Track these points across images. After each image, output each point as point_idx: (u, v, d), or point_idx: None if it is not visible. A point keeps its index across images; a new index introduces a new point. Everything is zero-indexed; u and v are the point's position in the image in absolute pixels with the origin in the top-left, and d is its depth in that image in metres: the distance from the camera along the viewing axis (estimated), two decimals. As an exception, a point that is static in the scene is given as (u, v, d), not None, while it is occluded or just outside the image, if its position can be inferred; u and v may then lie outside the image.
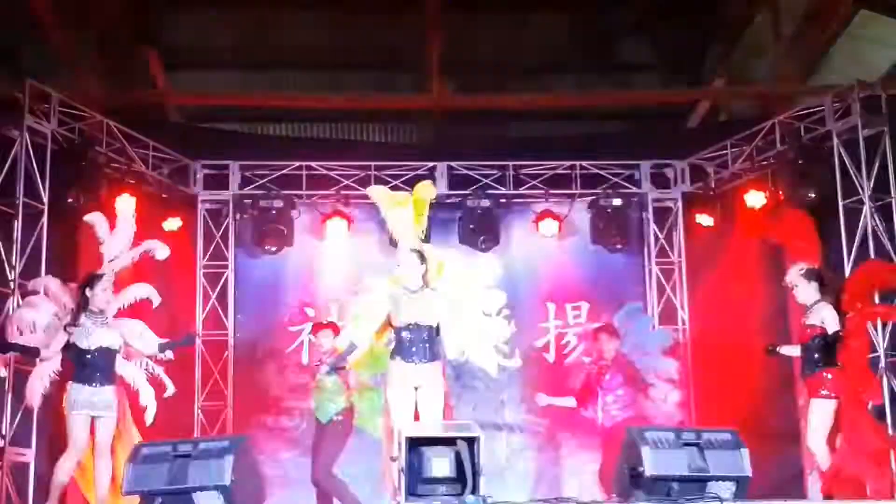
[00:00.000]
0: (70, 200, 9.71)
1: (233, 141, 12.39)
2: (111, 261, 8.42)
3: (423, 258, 7.44)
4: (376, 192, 8.31)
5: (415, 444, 6.11)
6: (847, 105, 9.98)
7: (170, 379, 9.29)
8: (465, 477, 6.02)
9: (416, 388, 7.21)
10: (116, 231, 8.54)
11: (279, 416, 10.84)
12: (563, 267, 11.42)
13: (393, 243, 10.05)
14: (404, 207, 7.99)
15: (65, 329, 7.84)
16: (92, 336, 7.76)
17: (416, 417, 7.25)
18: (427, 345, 7.22)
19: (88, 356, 7.73)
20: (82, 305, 7.87)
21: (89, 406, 7.64)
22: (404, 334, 7.25)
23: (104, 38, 11.87)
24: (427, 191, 8.00)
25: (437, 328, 7.27)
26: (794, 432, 10.63)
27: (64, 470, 7.60)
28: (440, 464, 6.00)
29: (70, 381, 7.77)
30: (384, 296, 7.49)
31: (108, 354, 7.83)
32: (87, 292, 7.90)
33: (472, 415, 9.69)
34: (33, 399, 8.22)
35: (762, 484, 7.29)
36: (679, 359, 10.26)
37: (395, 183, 11.20)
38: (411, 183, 11.22)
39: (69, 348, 7.82)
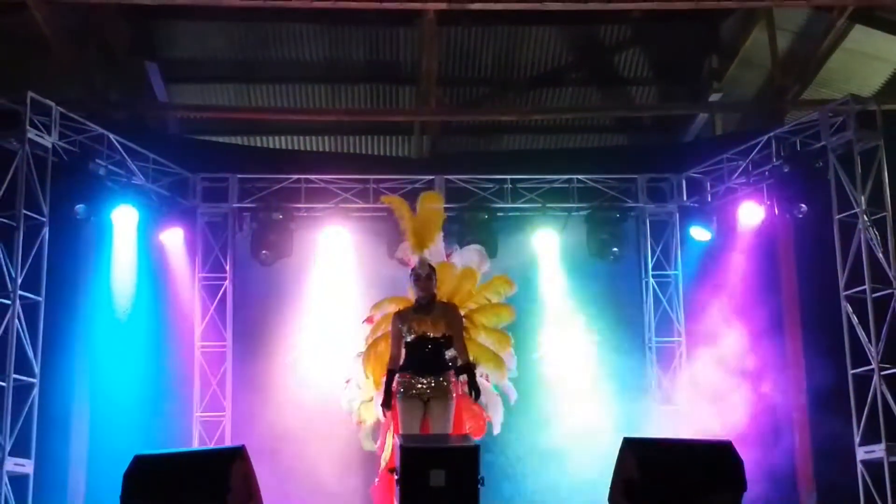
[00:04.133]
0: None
1: (232, 154, 12.46)
2: None
3: (433, 269, 7.48)
4: (394, 202, 8.39)
5: (412, 455, 6.15)
6: (842, 120, 10.07)
7: (168, 389, 9.35)
8: (462, 487, 6.06)
9: (425, 401, 7.23)
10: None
11: (277, 428, 10.86)
12: (560, 280, 11.47)
13: (391, 254, 10.17)
14: (423, 217, 8.09)
15: None
16: None
17: (424, 429, 7.29)
18: (436, 357, 7.24)
19: None
20: None
21: None
22: (413, 347, 7.26)
23: (105, 51, 11.93)
24: (440, 201, 8.13)
25: (448, 339, 7.28)
26: (787, 445, 10.70)
27: None
28: (437, 474, 6.03)
29: None
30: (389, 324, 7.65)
31: None
32: None
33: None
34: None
35: (756, 498, 7.35)
36: None
37: (392, 195, 11.27)
38: (409, 196, 11.33)
39: None
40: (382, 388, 7.43)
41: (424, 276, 7.39)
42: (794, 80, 12.46)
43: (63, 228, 9.98)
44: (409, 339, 7.27)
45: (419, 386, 7.22)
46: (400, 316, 7.40)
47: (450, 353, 7.47)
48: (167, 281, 11.19)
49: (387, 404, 7.35)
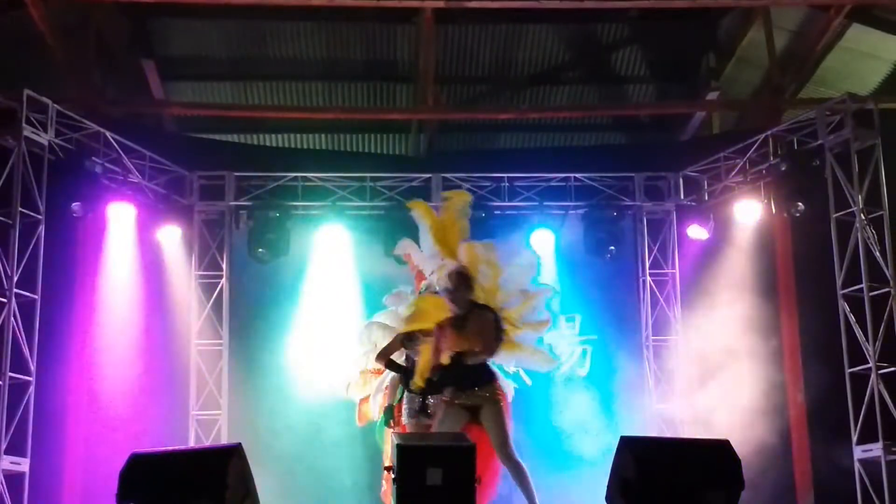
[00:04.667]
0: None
1: (229, 151, 12.45)
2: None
3: (465, 277, 7.16)
4: (418, 208, 8.05)
5: (409, 453, 6.14)
6: (839, 118, 10.08)
7: (165, 388, 9.27)
8: (458, 487, 6.05)
9: (473, 411, 7.15)
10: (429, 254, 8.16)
11: (273, 426, 10.86)
12: (557, 278, 11.46)
13: (388, 252, 10.09)
14: (445, 222, 7.83)
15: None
16: None
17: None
18: (475, 372, 7.12)
19: None
20: None
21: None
22: (451, 365, 7.15)
23: (102, 48, 11.91)
24: (461, 200, 7.78)
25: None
26: (784, 444, 10.70)
27: None
28: (433, 473, 6.02)
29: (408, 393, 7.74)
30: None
31: None
32: None
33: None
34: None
35: (753, 496, 7.35)
36: None
37: (390, 194, 11.29)
38: (406, 194, 11.32)
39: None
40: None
41: (453, 289, 7.10)
42: (792, 78, 12.46)
43: (59, 226, 9.97)
44: (448, 356, 7.20)
45: (464, 399, 7.15)
46: (440, 328, 7.27)
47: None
48: (163, 279, 11.18)
49: (421, 414, 7.34)
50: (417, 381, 7.57)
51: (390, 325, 8.39)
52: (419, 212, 7.88)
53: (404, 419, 7.67)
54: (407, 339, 7.76)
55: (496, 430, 7.08)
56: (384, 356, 7.82)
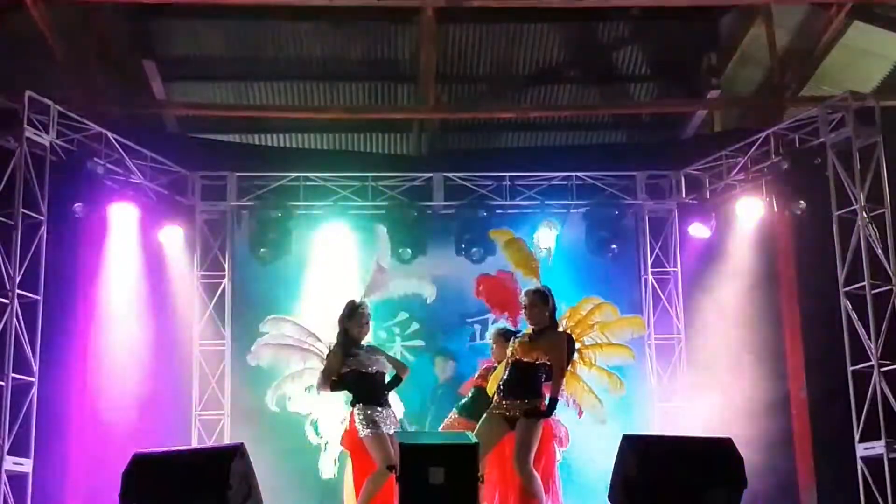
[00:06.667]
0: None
1: (230, 152, 12.46)
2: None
3: (538, 295, 7.41)
4: (506, 235, 8.29)
5: (412, 452, 6.14)
6: (841, 116, 10.08)
7: (167, 388, 9.25)
8: (460, 485, 6.06)
9: (511, 421, 7.23)
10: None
11: (276, 425, 10.85)
12: (559, 277, 11.45)
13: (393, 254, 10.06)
14: (513, 254, 8.04)
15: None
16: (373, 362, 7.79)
17: (499, 447, 7.36)
18: (519, 381, 7.25)
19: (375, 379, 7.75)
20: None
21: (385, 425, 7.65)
22: (506, 369, 7.35)
23: (103, 49, 11.92)
24: (506, 234, 8.22)
25: (541, 367, 7.28)
26: (787, 442, 10.71)
27: (378, 485, 7.48)
28: (436, 472, 6.03)
29: (360, 404, 7.65)
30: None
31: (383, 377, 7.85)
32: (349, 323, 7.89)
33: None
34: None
35: (755, 494, 7.35)
36: None
37: (391, 193, 11.29)
38: (408, 193, 11.34)
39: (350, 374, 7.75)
40: None
41: (528, 305, 7.40)
42: (793, 76, 12.44)
43: (61, 227, 9.99)
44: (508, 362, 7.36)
45: (504, 407, 7.23)
46: (515, 338, 7.46)
47: None
48: (166, 279, 11.20)
49: (374, 425, 7.43)
50: (491, 387, 7.71)
51: (293, 344, 8.55)
52: (504, 237, 8.24)
53: (360, 432, 7.61)
54: (345, 355, 7.75)
55: (520, 440, 7.19)
56: (328, 380, 7.73)
